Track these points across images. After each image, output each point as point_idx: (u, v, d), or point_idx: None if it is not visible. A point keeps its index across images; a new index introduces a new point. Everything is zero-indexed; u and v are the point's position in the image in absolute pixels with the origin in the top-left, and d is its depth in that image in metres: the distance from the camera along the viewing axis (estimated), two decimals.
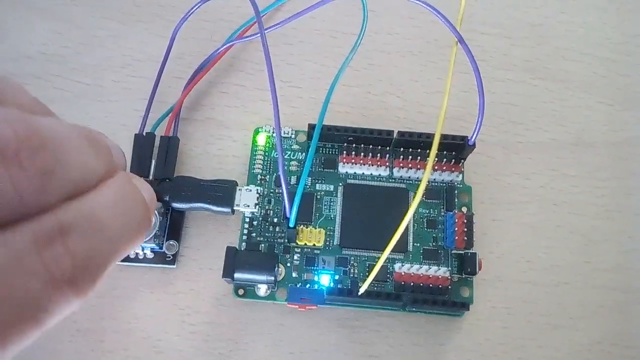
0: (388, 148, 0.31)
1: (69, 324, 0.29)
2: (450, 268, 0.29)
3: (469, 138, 0.28)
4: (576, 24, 0.36)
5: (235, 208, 0.29)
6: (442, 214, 0.30)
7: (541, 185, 0.32)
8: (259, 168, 0.31)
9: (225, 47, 0.33)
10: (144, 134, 0.31)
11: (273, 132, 0.32)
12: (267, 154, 0.32)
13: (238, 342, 0.29)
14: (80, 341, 0.29)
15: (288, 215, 0.29)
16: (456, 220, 0.29)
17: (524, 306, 0.30)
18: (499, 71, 0.35)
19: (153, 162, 0.31)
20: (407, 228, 0.29)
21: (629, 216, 0.32)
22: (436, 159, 0.30)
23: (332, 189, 0.31)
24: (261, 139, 0.32)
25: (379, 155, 0.31)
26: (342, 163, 0.31)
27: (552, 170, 0.33)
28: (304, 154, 0.32)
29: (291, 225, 0.29)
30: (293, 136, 0.32)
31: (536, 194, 0.32)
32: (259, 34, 0.27)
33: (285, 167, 0.31)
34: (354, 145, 0.31)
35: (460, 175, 0.31)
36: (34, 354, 0.28)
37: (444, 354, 0.29)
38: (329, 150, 0.32)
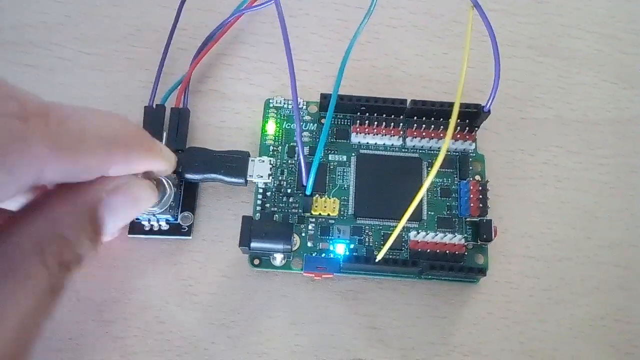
0: (401, 117, 0.31)
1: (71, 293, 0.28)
2: (465, 235, 0.29)
3: (483, 105, 0.29)
4: (582, 2, 0.37)
5: (248, 179, 0.29)
6: (456, 182, 0.30)
7: (545, 162, 0.32)
8: (270, 139, 0.31)
9: (234, 17, 0.32)
10: (154, 106, 0.31)
11: (284, 104, 0.32)
12: (278, 125, 0.31)
13: (254, 311, 0.29)
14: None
15: (304, 184, 0.28)
16: (470, 187, 0.29)
17: (526, 281, 0.30)
18: (504, 48, 0.35)
19: (164, 134, 0.30)
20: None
21: (632, 194, 0.32)
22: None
23: (345, 159, 0.31)
24: (272, 109, 0.32)
25: (392, 124, 0.31)
26: (354, 133, 0.31)
27: (556, 147, 0.33)
28: (315, 124, 0.31)
29: (308, 192, 0.29)
30: (304, 107, 0.32)
31: (540, 170, 0.32)
32: (271, 2, 0.27)
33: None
34: (366, 115, 0.31)
35: (474, 144, 0.31)
36: None
37: (449, 327, 0.29)
38: (341, 121, 0.31)
